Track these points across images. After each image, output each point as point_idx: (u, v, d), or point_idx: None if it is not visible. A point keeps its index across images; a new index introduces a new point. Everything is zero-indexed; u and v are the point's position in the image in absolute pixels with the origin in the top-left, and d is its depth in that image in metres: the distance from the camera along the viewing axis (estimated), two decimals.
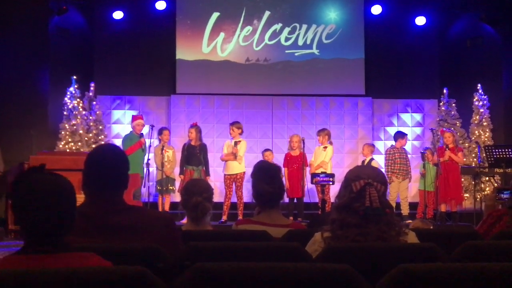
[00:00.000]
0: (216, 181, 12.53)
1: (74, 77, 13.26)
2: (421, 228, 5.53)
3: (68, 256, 2.39)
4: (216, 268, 2.29)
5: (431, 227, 5.60)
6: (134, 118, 11.89)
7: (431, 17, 14.66)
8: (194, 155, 11.59)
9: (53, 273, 2.17)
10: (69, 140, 13.00)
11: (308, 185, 11.85)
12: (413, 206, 12.39)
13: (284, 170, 11.79)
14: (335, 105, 14.38)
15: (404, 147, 12.41)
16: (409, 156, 12.54)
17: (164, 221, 3.24)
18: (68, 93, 13.23)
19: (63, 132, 13.06)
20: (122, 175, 3.25)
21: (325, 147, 11.95)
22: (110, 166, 3.20)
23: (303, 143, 11.94)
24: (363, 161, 12.42)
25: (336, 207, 3.28)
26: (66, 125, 13.08)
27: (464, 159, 12.81)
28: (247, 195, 11.72)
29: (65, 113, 13.19)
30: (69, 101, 13.19)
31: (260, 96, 14.37)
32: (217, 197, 11.77)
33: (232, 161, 11.56)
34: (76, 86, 13.28)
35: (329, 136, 12.09)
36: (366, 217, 3.15)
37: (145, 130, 12.63)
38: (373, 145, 12.85)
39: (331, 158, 12.05)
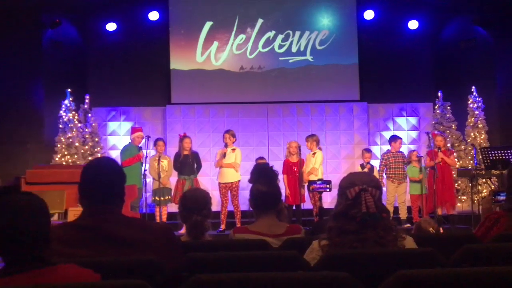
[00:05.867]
0: (213, 190, 12.52)
1: (69, 89, 13.24)
2: (423, 227, 5.50)
3: (50, 270, 2.40)
4: (214, 279, 2.29)
5: (431, 229, 5.53)
6: (133, 130, 11.97)
7: (424, 20, 14.70)
8: (187, 164, 11.61)
9: None
10: (65, 153, 12.98)
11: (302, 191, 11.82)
12: (409, 210, 12.37)
13: (283, 177, 11.74)
14: (330, 111, 14.39)
15: (400, 150, 12.40)
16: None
17: (163, 232, 3.23)
18: (63, 106, 13.22)
19: (59, 145, 13.03)
20: (118, 188, 3.26)
21: (314, 153, 11.90)
22: (105, 179, 3.22)
23: (299, 149, 11.91)
24: (362, 165, 12.44)
25: (333, 215, 3.28)
26: (62, 138, 13.05)
27: (457, 162, 12.89)
28: (243, 203, 11.69)
29: (60, 126, 13.17)
30: (64, 114, 13.18)
31: (255, 104, 14.37)
32: (215, 207, 11.75)
33: (227, 169, 11.52)
34: (71, 99, 13.27)
35: (318, 142, 12.02)
36: (363, 223, 3.15)
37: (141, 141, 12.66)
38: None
39: (321, 164, 11.98)
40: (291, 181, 11.78)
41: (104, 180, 3.21)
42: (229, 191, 11.57)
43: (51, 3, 13.16)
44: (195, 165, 11.74)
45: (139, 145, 11.71)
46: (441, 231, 5.44)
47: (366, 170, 12.04)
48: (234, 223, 11.43)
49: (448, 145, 13.00)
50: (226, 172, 11.56)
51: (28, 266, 2.39)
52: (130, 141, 11.94)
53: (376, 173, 12.07)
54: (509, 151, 10.87)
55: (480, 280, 2.31)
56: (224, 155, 11.50)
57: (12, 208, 2.44)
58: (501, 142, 13.19)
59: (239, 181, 11.59)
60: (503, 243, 3.39)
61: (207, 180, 13.29)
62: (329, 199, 12.73)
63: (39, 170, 11.35)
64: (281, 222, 4.41)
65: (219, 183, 11.63)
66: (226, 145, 11.60)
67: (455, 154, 12.94)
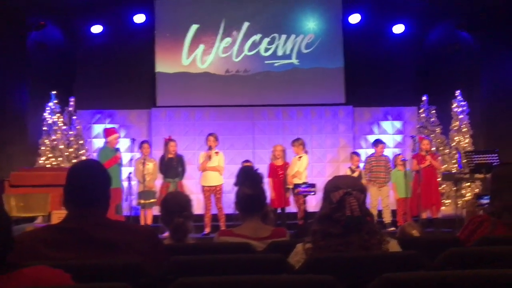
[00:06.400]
0: (198, 193, 12.50)
1: (54, 92, 13.15)
2: (407, 231, 5.50)
3: (15, 275, 2.31)
4: (198, 282, 2.28)
5: (414, 233, 5.53)
6: (109, 132, 11.73)
7: (409, 25, 14.76)
8: (172, 167, 11.58)
9: None
10: (50, 155, 12.89)
11: (287, 194, 11.84)
12: (393, 213, 12.38)
13: (269, 181, 11.74)
14: (316, 114, 14.41)
15: (384, 154, 12.44)
16: (390, 163, 12.52)
17: (148, 235, 3.22)
18: (48, 108, 13.11)
19: (43, 148, 12.95)
20: (103, 191, 3.24)
21: (300, 157, 11.91)
22: (91, 182, 3.19)
23: (284, 153, 11.92)
24: (351, 168, 12.42)
25: (318, 218, 3.29)
26: (46, 141, 12.97)
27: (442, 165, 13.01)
28: (227, 207, 11.69)
29: (45, 128, 13.07)
30: (48, 116, 13.08)
31: (240, 107, 14.37)
32: (199, 210, 11.76)
33: (211, 172, 11.52)
34: (55, 101, 13.17)
35: (304, 146, 12.04)
36: (347, 227, 3.16)
37: (126, 143, 12.58)
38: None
39: (306, 168, 11.99)
40: (276, 185, 11.80)
41: (89, 183, 3.19)
42: (212, 194, 11.56)
43: (36, 5, 13.07)
44: (180, 168, 11.71)
45: (116, 147, 11.61)
46: (416, 234, 5.43)
47: (356, 174, 12.04)
48: (219, 226, 11.42)
49: (433, 148, 13.06)
50: (210, 175, 11.56)
51: None
52: (104, 143, 11.80)
53: (364, 177, 12.14)
54: (493, 155, 10.93)
55: (463, 283, 2.32)
56: (209, 158, 11.50)
57: None
58: (485, 146, 13.24)
59: (222, 184, 11.60)
60: (486, 247, 3.41)
61: (192, 183, 13.24)
62: (314, 203, 12.73)
63: (23, 173, 11.28)
64: (266, 225, 4.41)
65: (203, 186, 11.63)
66: (210, 148, 11.59)
67: (440, 158, 13.02)
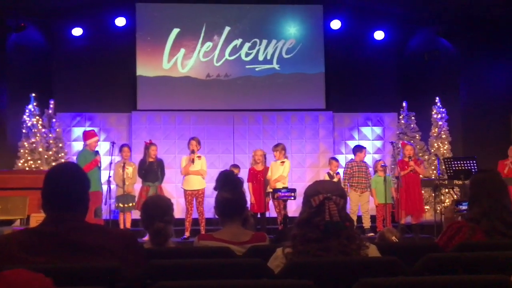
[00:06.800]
0: (178, 197, 12.47)
1: (33, 94, 13.06)
2: (386, 237, 5.52)
3: None
4: (178, 286, 2.28)
5: (393, 239, 5.55)
6: (89, 135, 11.56)
7: (390, 31, 14.83)
8: (152, 171, 11.53)
9: None
10: (29, 158, 12.80)
11: (267, 199, 11.85)
12: (372, 219, 12.41)
13: (248, 185, 11.72)
14: (296, 119, 14.44)
15: (364, 160, 12.47)
16: (370, 169, 12.57)
17: (127, 239, 3.20)
18: (27, 110, 13.02)
19: (22, 150, 12.85)
20: (81, 194, 3.22)
21: (283, 162, 11.91)
22: (69, 185, 3.17)
23: (265, 157, 11.93)
24: (329, 174, 12.43)
25: (297, 222, 3.29)
26: (25, 143, 12.88)
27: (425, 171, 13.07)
28: (208, 210, 11.68)
29: (24, 131, 12.98)
30: (28, 118, 12.99)
31: (221, 111, 14.35)
32: (179, 214, 11.72)
33: (194, 176, 11.48)
34: (35, 104, 13.09)
35: (285, 151, 12.07)
36: (326, 232, 3.16)
37: (106, 147, 12.51)
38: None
39: (288, 173, 12.01)
40: (256, 189, 11.79)
41: (67, 186, 3.16)
42: (194, 198, 11.52)
43: (16, 7, 12.98)
44: (160, 172, 11.67)
45: (95, 150, 11.53)
46: (395, 239, 5.45)
47: (335, 180, 12.04)
48: (199, 230, 11.39)
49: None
50: (192, 179, 11.51)
51: None
52: (83, 146, 11.70)
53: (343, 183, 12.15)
54: (471, 162, 11.01)
55: None
56: (192, 161, 11.46)
57: None
58: (464, 152, 13.35)
59: (204, 188, 11.57)
60: (465, 252, 3.43)
61: (172, 187, 13.23)
62: (294, 207, 12.75)
63: (1, 175, 11.20)
64: (246, 230, 4.41)
65: (185, 190, 11.56)
66: (192, 152, 11.55)
67: (423, 163, 13.07)
